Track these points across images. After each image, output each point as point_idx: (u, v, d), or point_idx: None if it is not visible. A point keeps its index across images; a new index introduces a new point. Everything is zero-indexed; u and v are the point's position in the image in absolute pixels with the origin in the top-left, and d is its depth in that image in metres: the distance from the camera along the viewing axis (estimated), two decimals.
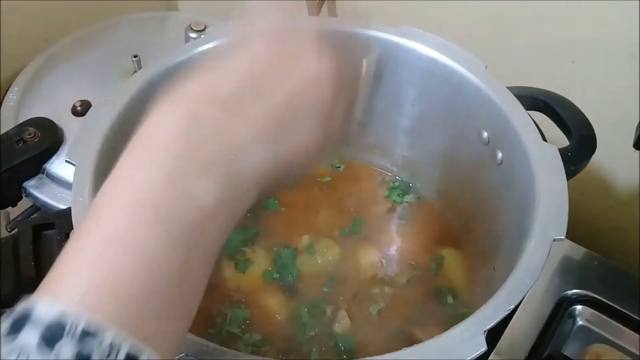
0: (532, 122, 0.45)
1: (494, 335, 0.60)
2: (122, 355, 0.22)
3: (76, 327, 0.22)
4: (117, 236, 0.25)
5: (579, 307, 0.64)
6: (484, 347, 0.33)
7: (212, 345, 0.33)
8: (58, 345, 0.22)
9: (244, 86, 0.30)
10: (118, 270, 0.24)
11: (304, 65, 0.32)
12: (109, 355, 0.22)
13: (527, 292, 0.36)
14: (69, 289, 0.24)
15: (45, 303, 0.23)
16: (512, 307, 0.35)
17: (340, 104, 0.33)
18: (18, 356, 0.22)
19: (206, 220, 0.27)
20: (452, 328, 0.35)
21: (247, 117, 0.29)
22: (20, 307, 0.24)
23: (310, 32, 0.33)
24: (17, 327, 0.23)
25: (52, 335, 0.22)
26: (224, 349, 0.33)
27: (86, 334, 0.22)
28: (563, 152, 0.45)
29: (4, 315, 0.24)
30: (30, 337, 0.22)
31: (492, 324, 0.34)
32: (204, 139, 0.28)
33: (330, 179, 0.63)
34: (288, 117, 0.31)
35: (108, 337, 0.22)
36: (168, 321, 0.26)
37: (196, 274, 0.27)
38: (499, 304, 0.36)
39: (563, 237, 0.39)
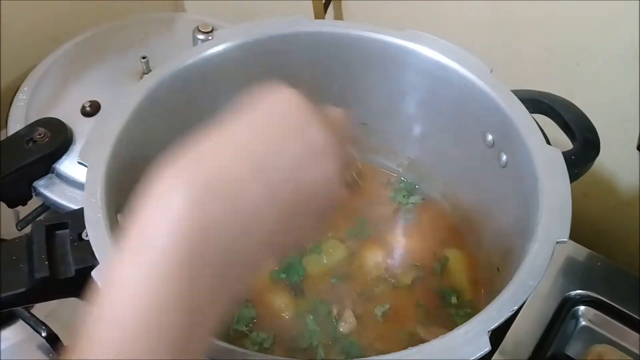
0: (537, 125, 0.46)
1: (497, 335, 0.61)
2: None
3: None
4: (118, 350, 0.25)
5: (582, 308, 0.65)
6: (487, 348, 0.34)
7: (221, 344, 0.34)
8: None
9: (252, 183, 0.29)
10: None
11: (317, 168, 0.31)
12: None
13: (531, 293, 0.37)
14: None
15: None
16: (515, 308, 0.36)
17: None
18: None
19: (200, 321, 0.27)
20: (456, 328, 0.35)
21: (250, 218, 0.28)
22: None
23: (320, 131, 0.32)
24: None
25: None
26: (233, 347, 0.34)
27: None
28: (567, 155, 0.46)
29: None
30: None
31: (496, 324, 0.35)
32: (208, 249, 0.27)
33: None
34: (295, 219, 0.30)
35: None
36: None
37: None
38: (503, 304, 0.36)
39: (566, 240, 0.39)
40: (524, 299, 0.36)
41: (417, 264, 0.57)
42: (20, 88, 0.72)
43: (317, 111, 0.32)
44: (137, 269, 0.26)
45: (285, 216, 0.29)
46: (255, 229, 0.28)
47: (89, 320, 0.26)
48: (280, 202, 0.29)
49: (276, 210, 0.29)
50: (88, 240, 0.39)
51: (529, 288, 0.37)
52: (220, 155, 0.29)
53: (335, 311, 0.53)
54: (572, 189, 0.42)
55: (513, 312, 0.36)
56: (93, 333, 0.26)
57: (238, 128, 0.31)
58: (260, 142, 0.30)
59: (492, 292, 0.40)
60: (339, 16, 0.83)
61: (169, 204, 0.27)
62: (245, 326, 0.51)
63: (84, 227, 0.40)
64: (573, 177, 0.46)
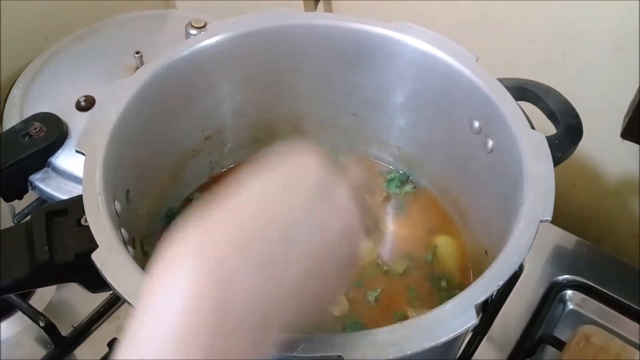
0: (521, 111, 0.48)
1: (487, 317, 0.63)
2: None
3: None
4: None
5: (569, 292, 0.66)
6: (474, 320, 0.35)
7: None
8: None
9: (273, 245, 0.28)
10: None
11: (337, 218, 0.30)
12: None
13: (515, 269, 0.38)
14: None
15: None
16: (501, 283, 0.37)
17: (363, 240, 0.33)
18: None
19: None
20: (444, 303, 0.37)
21: (276, 281, 0.28)
22: None
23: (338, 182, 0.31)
24: None
25: None
26: None
27: None
28: (551, 139, 0.47)
29: None
30: None
31: (482, 298, 0.36)
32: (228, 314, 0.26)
33: None
34: (319, 273, 0.30)
35: None
36: None
37: None
38: (489, 280, 0.38)
39: (549, 219, 0.41)
40: (509, 275, 0.38)
41: (408, 251, 0.59)
42: (15, 84, 0.73)
43: (339, 169, 0.33)
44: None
45: (311, 269, 0.29)
46: (280, 285, 0.28)
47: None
48: (306, 257, 0.29)
49: (302, 264, 0.29)
50: (87, 226, 0.40)
51: (513, 264, 0.38)
52: (245, 216, 0.28)
53: None
54: (559, 178, 0.44)
55: (499, 286, 0.37)
56: None
57: (266, 189, 0.30)
58: (287, 203, 0.29)
59: (480, 275, 0.41)
60: (329, 11, 0.84)
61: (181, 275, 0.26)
62: None
63: (83, 214, 0.41)
64: (557, 160, 0.47)
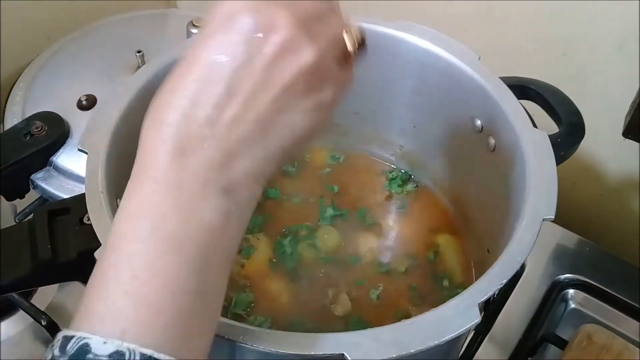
0: (524, 109, 0.47)
1: (489, 316, 0.63)
2: None
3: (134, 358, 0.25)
4: (139, 272, 0.27)
5: (571, 291, 0.66)
6: (477, 319, 0.35)
7: (223, 319, 0.35)
8: None
9: (225, 92, 0.29)
10: (148, 304, 0.26)
11: (288, 57, 0.29)
12: None
13: (518, 268, 0.38)
14: (111, 325, 0.26)
15: (99, 340, 0.25)
16: (504, 281, 0.37)
17: (328, 89, 0.31)
18: None
19: (217, 236, 0.28)
20: (447, 302, 0.37)
21: (230, 124, 0.29)
22: (71, 344, 0.26)
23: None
24: None
25: None
26: (234, 322, 0.35)
27: None
28: (553, 138, 0.47)
29: (50, 350, 0.26)
30: None
31: (486, 297, 0.36)
32: (196, 158, 0.28)
33: (330, 170, 0.65)
34: (274, 116, 0.30)
35: None
36: (196, 336, 0.28)
37: (215, 286, 0.29)
38: (492, 278, 0.38)
39: (552, 217, 0.41)
40: (512, 273, 0.38)
41: (410, 249, 0.59)
42: (17, 83, 0.72)
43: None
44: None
45: (262, 115, 0.29)
46: (231, 127, 0.29)
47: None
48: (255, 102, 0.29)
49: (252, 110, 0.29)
50: (89, 224, 0.40)
51: (516, 263, 0.38)
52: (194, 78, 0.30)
53: (330, 294, 0.54)
54: (560, 177, 0.44)
55: (502, 285, 0.37)
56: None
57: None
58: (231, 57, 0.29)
59: (482, 273, 0.41)
60: None
61: (156, 145, 0.29)
62: (243, 310, 0.52)
63: (85, 212, 0.41)
64: (559, 159, 0.47)
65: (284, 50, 0.29)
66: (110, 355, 0.25)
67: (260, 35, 0.29)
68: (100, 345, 0.25)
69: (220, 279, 0.29)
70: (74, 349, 0.26)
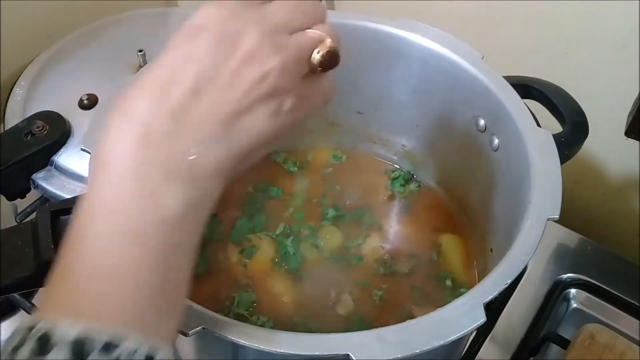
0: (527, 109, 0.47)
1: (492, 315, 0.63)
2: (141, 356, 0.26)
3: (100, 340, 0.26)
4: (98, 265, 0.28)
5: (573, 291, 0.66)
6: (483, 319, 0.35)
7: (226, 319, 0.35)
8: (89, 359, 0.25)
9: (190, 91, 0.30)
10: (110, 292, 0.28)
11: (253, 65, 0.31)
12: (132, 358, 0.26)
13: (523, 267, 0.38)
14: (77, 312, 0.27)
15: (65, 323, 0.26)
16: (509, 281, 0.37)
17: (289, 98, 0.33)
18: None
19: (178, 226, 0.29)
20: (452, 302, 0.36)
21: (195, 121, 0.30)
22: (36, 328, 0.26)
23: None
24: (44, 348, 0.25)
25: (80, 351, 0.25)
26: (237, 322, 0.35)
27: (110, 345, 0.26)
28: (557, 137, 0.47)
29: (15, 334, 0.26)
30: (61, 354, 0.25)
31: (491, 297, 0.36)
32: (158, 150, 0.29)
33: (332, 169, 0.65)
34: (236, 117, 0.31)
35: (130, 345, 0.26)
36: (163, 316, 0.29)
37: (177, 272, 0.30)
38: (497, 278, 0.38)
39: (557, 217, 0.41)
40: (517, 273, 0.38)
41: (413, 249, 0.59)
42: (18, 82, 0.72)
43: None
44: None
45: (223, 115, 0.31)
46: (193, 124, 0.30)
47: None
48: (216, 101, 0.31)
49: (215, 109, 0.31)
50: None
51: (521, 263, 0.38)
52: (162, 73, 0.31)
53: (333, 294, 0.54)
54: (563, 175, 0.44)
55: (507, 285, 0.37)
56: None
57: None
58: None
59: (485, 273, 0.41)
60: (330, 7, 0.84)
61: (119, 135, 0.30)
62: (246, 310, 0.52)
63: None
64: (563, 158, 0.47)
65: (248, 58, 0.31)
66: (78, 335, 0.26)
67: (228, 44, 0.30)
68: (65, 327, 0.26)
69: (181, 271, 0.30)
70: (39, 332, 0.26)
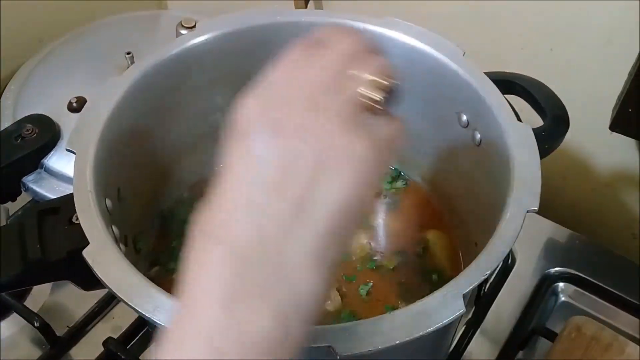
0: (507, 103, 0.48)
1: (481, 310, 0.63)
2: None
3: None
4: None
5: (561, 284, 0.67)
6: (462, 309, 0.36)
7: None
8: None
9: (286, 208, 0.27)
10: None
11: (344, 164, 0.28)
12: None
13: (502, 259, 0.39)
14: None
15: None
16: (488, 272, 0.38)
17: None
18: None
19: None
20: (432, 294, 0.37)
21: (294, 243, 0.27)
22: None
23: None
24: None
25: None
26: None
27: None
28: (537, 131, 0.48)
29: None
30: None
31: (470, 287, 0.37)
32: (250, 278, 0.27)
33: None
34: (339, 227, 0.28)
35: None
36: None
37: None
38: (476, 270, 0.38)
39: (536, 209, 0.41)
40: (496, 264, 0.38)
41: (400, 246, 0.59)
42: (8, 86, 0.73)
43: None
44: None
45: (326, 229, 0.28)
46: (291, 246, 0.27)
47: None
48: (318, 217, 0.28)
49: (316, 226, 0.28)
50: (78, 224, 0.40)
51: (501, 254, 0.39)
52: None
53: None
54: (550, 172, 0.44)
55: (485, 276, 0.38)
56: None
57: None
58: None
59: None
60: (319, 8, 0.84)
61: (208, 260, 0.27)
62: None
63: (74, 212, 0.42)
64: (544, 152, 0.48)
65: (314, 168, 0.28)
66: None
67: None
68: None
69: None
70: None
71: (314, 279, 0.27)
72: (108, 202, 0.45)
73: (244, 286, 0.26)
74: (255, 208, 0.28)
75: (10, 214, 0.68)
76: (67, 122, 0.67)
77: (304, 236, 0.27)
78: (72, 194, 0.42)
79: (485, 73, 0.51)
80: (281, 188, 0.28)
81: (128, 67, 0.70)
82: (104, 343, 0.59)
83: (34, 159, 0.65)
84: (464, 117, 0.52)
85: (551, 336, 0.59)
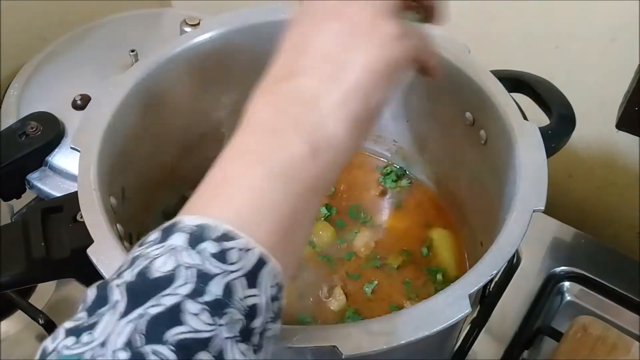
0: (513, 101, 0.48)
1: (487, 309, 0.63)
2: (254, 256, 0.27)
3: (216, 232, 0.27)
4: (254, 185, 0.30)
5: (567, 284, 0.67)
6: (468, 309, 0.35)
7: None
8: (201, 245, 0.27)
9: (328, 68, 0.33)
10: (260, 204, 0.29)
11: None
12: (243, 255, 0.27)
13: (508, 259, 0.38)
14: (222, 209, 0.29)
15: (191, 218, 0.28)
16: (494, 272, 0.37)
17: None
18: (168, 253, 0.27)
19: (307, 166, 0.31)
20: (438, 293, 0.37)
21: (327, 95, 0.32)
22: (168, 222, 0.29)
23: None
24: (165, 236, 0.28)
25: (196, 238, 0.27)
26: None
27: (224, 237, 0.27)
28: (544, 130, 0.47)
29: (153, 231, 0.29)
30: (179, 240, 0.27)
31: (475, 287, 0.37)
32: (295, 115, 0.32)
33: None
34: (365, 88, 0.33)
35: (242, 242, 0.27)
36: (290, 245, 0.30)
37: (304, 203, 0.31)
38: (482, 270, 0.38)
39: (542, 208, 0.41)
40: (502, 264, 0.38)
41: (405, 247, 0.59)
42: (12, 83, 0.73)
43: None
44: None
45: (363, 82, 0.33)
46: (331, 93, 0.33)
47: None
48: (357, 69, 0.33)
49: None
50: (82, 222, 0.40)
51: (506, 254, 0.39)
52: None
53: (325, 289, 0.54)
54: (556, 170, 0.44)
55: (492, 276, 0.37)
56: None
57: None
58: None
59: None
60: None
61: (261, 106, 0.33)
62: None
63: (78, 210, 0.41)
64: (551, 150, 0.47)
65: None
66: (197, 226, 0.27)
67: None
68: (190, 220, 0.28)
69: (307, 212, 0.32)
70: (168, 224, 0.28)
71: (342, 125, 0.32)
72: (112, 200, 0.45)
73: (282, 121, 0.32)
74: (306, 68, 0.33)
75: (14, 212, 0.68)
76: (71, 119, 0.67)
77: (336, 90, 0.32)
78: (76, 192, 0.42)
79: (491, 71, 0.51)
80: (327, 54, 0.33)
81: (132, 65, 0.70)
82: None
83: (38, 157, 0.65)
84: (470, 116, 0.52)
85: (557, 336, 0.59)
